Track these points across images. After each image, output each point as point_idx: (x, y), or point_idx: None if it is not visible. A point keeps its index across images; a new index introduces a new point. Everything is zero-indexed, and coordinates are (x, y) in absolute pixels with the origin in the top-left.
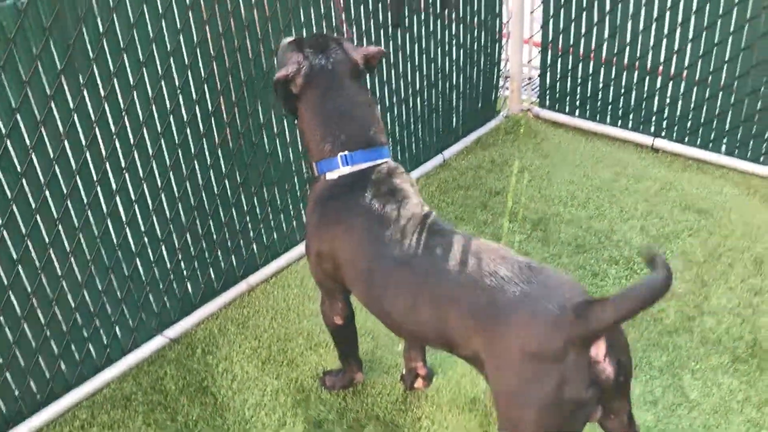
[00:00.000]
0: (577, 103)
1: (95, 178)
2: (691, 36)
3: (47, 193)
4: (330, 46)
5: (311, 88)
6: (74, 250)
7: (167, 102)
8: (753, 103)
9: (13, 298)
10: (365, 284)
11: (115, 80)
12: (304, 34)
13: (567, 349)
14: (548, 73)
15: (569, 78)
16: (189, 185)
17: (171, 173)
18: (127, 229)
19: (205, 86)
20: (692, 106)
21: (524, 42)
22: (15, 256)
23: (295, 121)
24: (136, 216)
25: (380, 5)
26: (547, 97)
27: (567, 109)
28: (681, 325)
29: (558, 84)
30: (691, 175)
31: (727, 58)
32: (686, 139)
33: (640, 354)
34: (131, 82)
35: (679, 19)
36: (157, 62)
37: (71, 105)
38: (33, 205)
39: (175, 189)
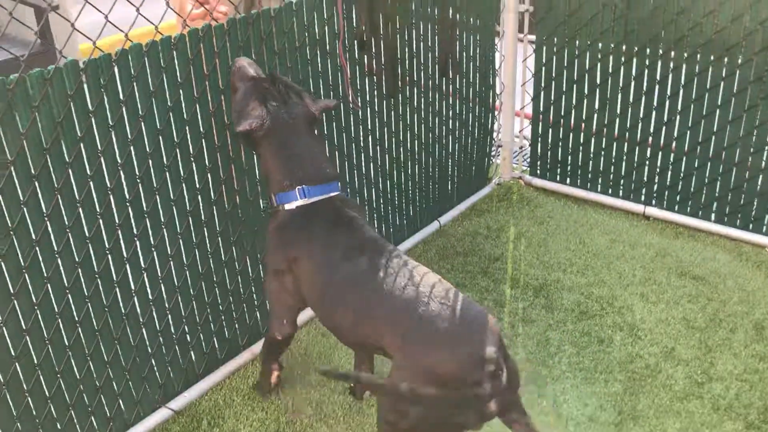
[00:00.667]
0: (568, 171)
1: (106, 246)
2: (679, 108)
3: (59, 261)
4: (291, 99)
5: (271, 136)
6: (81, 320)
7: (181, 170)
8: (741, 172)
9: (18, 369)
10: (319, 301)
11: (132, 148)
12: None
13: (466, 390)
14: (539, 143)
15: (560, 147)
16: (198, 252)
17: (180, 241)
18: (135, 299)
19: (218, 155)
20: (682, 175)
21: (516, 114)
22: (23, 326)
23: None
24: (145, 284)
25: (382, 78)
26: (538, 165)
27: (558, 177)
28: (691, 391)
29: (549, 153)
30: (684, 242)
31: (715, 129)
32: (677, 207)
33: (653, 421)
34: (147, 150)
35: (668, 93)
36: (174, 130)
37: (88, 172)
38: (45, 274)
39: (183, 257)
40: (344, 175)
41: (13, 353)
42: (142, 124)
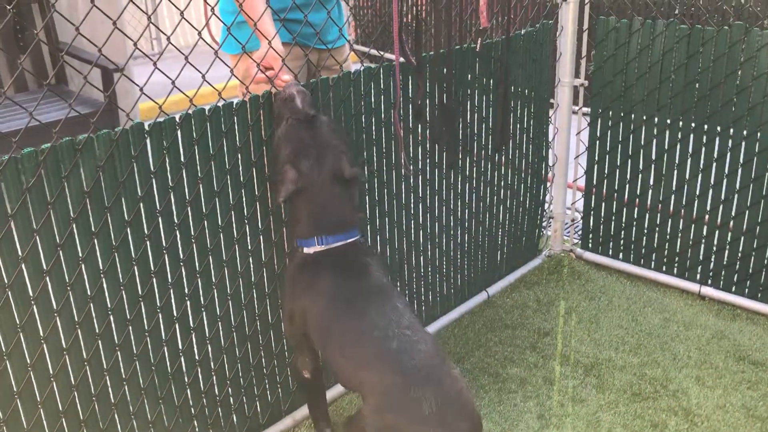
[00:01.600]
0: (621, 246)
1: (158, 304)
2: (738, 186)
3: (111, 318)
4: (327, 158)
5: (303, 193)
6: (128, 378)
7: (234, 232)
8: None
9: (65, 425)
10: (323, 345)
11: (189, 209)
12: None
13: None
14: (591, 216)
15: (613, 221)
16: (246, 314)
17: (230, 301)
18: (182, 358)
19: (271, 218)
20: (740, 254)
21: (568, 186)
22: (72, 381)
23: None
24: (192, 344)
25: (436, 148)
26: (590, 239)
27: (610, 252)
28: None
29: (602, 227)
30: (742, 324)
31: None
32: (734, 287)
33: None
34: (203, 211)
35: (726, 171)
36: (230, 193)
37: (146, 231)
38: (96, 330)
39: (231, 318)
40: (393, 241)
41: (60, 408)
42: (200, 186)
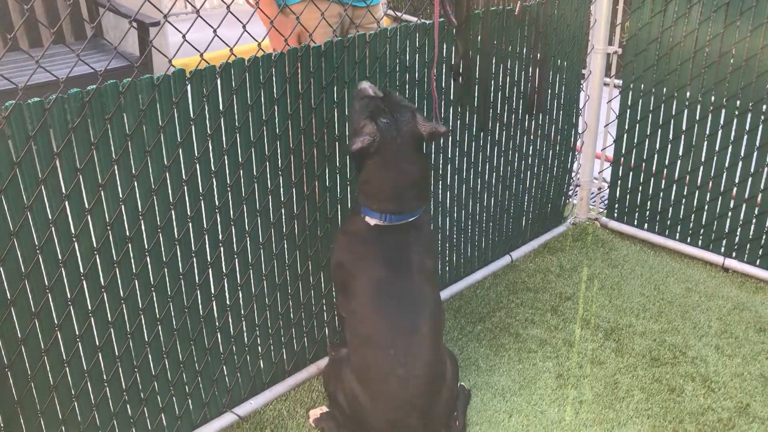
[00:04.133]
0: (647, 216)
1: (193, 249)
2: None
3: (147, 260)
4: (404, 118)
5: (378, 154)
6: (162, 318)
7: (268, 182)
8: None
9: (101, 360)
10: (353, 313)
11: (225, 158)
12: None
13: None
14: (618, 185)
15: (639, 191)
16: (276, 263)
17: (261, 250)
18: (214, 302)
19: (305, 170)
20: (766, 229)
21: (596, 156)
22: (109, 318)
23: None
24: (224, 289)
25: (467, 111)
26: (616, 208)
27: (636, 222)
28: None
29: (628, 196)
30: (765, 297)
31: None
32: (758, 261)
33: None
34: (239, 160)
35: (757, 143)
36: (266, 144)
37: (184, 176)
38: (133, 269)
39: (263, 266)
40: None
41: (97, 343)
42: (237, 135)
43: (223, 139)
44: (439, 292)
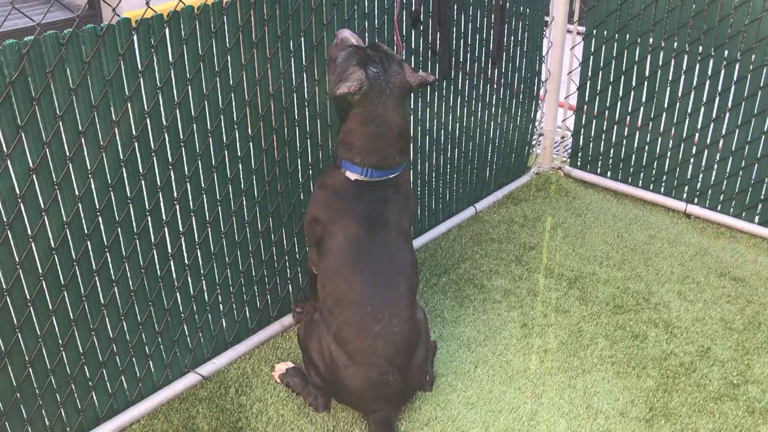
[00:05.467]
0: (610, 164)
1: (147, 208)
2: (730, 105)
3: (99, 219)
4: (392, 68)
5: (365, 102)
6: (118, 279)
7: (224, 137)
8: None
9: (55, 324)
10: (327, 271)
11: (177, 111)
12: None
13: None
14: (581, 134)
15: (603, 139)
16: (235, 220)
17: (219, 208)
18: (172, 261)
19: (261, 123)
20: (727, 174)
21: (560, 105)
22: (62, 281)
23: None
24: (182, 248)
25: (431, 59)
26: (579, 156)
27: (599, 170)
28: (725, 392)
29: (591, 144)
30: (726, 242)
31: (766, 129)
32: (720, 206)
33: (685, 419)
34: (192, 114)
35: (719, 89)
36: (219, 96)
37: (134, 132)
38: (85, 231)
39: (221, 223)
40: None
41: (50, 307)
42: (189, 87)
43: (174, 91)
44: (414, 251)
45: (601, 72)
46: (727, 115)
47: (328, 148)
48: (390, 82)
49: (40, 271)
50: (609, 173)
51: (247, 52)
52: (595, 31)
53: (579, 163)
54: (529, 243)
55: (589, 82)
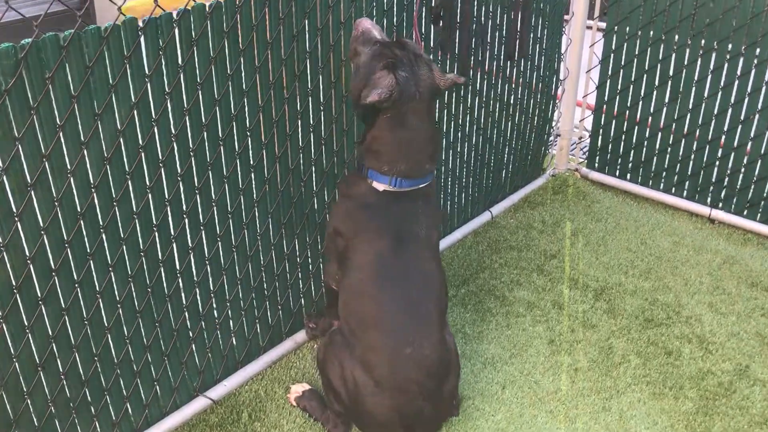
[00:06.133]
0: (629, 166)
1: (154, 223)
2: (759, 107)
3: (103, 237)
4: (422, 70)
5: (395, 109)
6: (123, 300)
7: (236, 145)
8: None
9: (55, 350)
10: (351, 289)
11: (187, 118)
12: None
13: None
14: (600, 134)
15: (622, 141)
16: (247, 233)
17: (230, 220)
18: (180, 279)
19: (275, 130)
20: (755, 178)
21: (577, 104)
22: (63, 305)
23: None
24: (191, 265)
25: (448, 60)
26: (597, 158)
27: (618, 172)
28: None
29: (610, 146)
30: (754, 249)
31: None
32: (746, 212)
33: None
34: (203, 121)
35: (749, 89)
36: (232, 101)
37: (140, 142)
38: (88, 249)
39: (232, 237)
40: None
41: (50, 333)
42: (200, 92)
43: (184, 97)
44: (443, 267)
45: (622, 70)
46: (757, 116)
47: (343, 154)
48: (420, 86)
49: (39, 294)
50: (629, 176)
51: (261, 53)
52: (617, 27)
53: (597, 165)
54: (549, 251)
55: (608, 81)
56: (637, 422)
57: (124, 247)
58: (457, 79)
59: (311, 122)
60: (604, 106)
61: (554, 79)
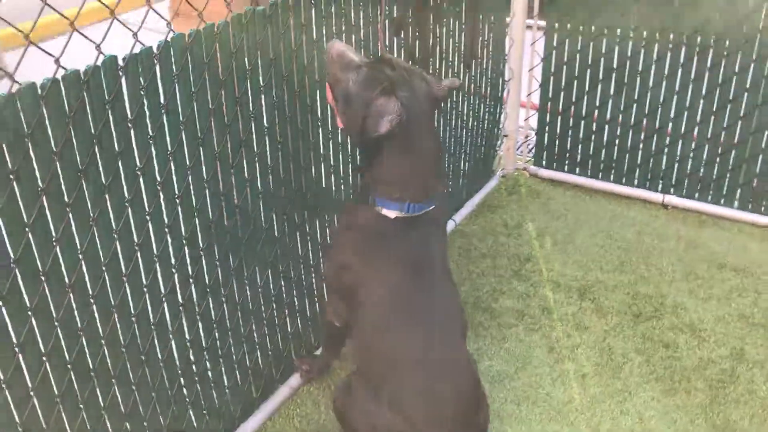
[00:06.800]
0: (578, 161)
1: (144, 284)
2: (704, 92)
3: (126, 286)
4: (418, 84)
5: (401, 132)
6: (96, 368)
7: (221, 185)
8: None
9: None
10: (366, 326)
11: (172, 164)
12: None
13: None
14: (546, 132)
15: (569, 136)
16: (235, 280)
17: (218, 268)
18: (173, 342)
19: (243, 150)
20: (703, 161)
21: (522, 105)
22: (67, 358)
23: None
24: (182, 325)
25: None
26: (544, 155)
27: (566, 167)
28: None
29: (557, 142)
30: (711, 231)
31: (742, 114)
32: (697, 195)
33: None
34: (187, 163)
35: (692, 76)
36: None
37: (127, 194)
38: (112, 301)
39: (221, 287)
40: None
41: (53, 392)
42: (183, 132)
43: (167, 140)
44: (458, 291)
45: (565, 66)
46: (702, 102)
47: (322, 181)
48: (422, 103)
49: (42, 350)
50: (577, 170)
51: (241, 83)
52: (557, 24)
53: (545, 162)
54: (522, 255)
55: (552, 78)
56: (657, 422)
57: (115, 316)
58: (452, 84)
59: (302, 163)
60: (549, 104)
61: (500, 81)
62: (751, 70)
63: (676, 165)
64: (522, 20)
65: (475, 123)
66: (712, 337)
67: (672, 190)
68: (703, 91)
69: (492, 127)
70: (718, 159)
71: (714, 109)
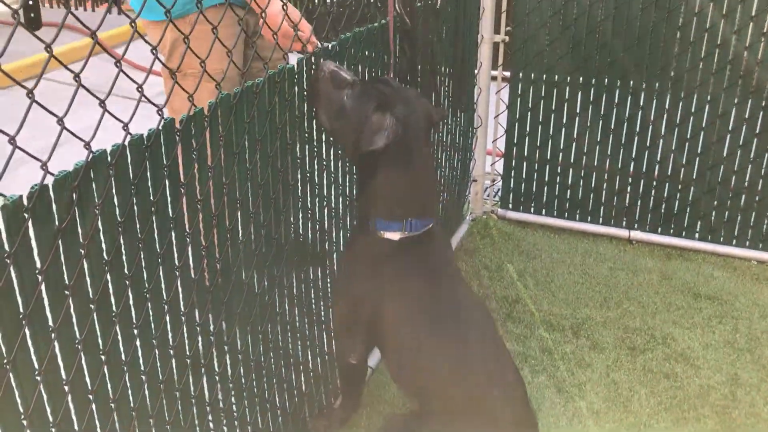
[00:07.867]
0: (544, 202)
1: (123, 361)
2: (663, 132)
3: (138, 342)
4: (416, 105)
5: (397, 150)
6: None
7: (192, 273)
8: (725, 190)
9: None
10: (403, 345)
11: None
12: None
13: None
14: (512, 175)
15: (534, 179)
16: (242, 364)
17: (225, 321)
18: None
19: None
20: (665, 197)
21: (488, 152)
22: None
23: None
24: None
25: None
26: (511, 198)
27: (532, 209)
28: None
29: (523, 185)
30: (678, 263)
31: (699, 151)
32: (659, 229)
33: None
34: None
35: (652, 117)
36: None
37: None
38: (123, 352)
39: (230, 371)
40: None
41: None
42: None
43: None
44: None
45: (529, 113)
46: (661, 141)
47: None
48: (417, 119)
49: (51, 420)
50: (544, 210)
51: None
52: (521, 74)
53: (511, 205)
54: (509, 297)
55: (517, 124)
56: None
57: (138, 340)
58: (443, 113)
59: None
60: (514, 149)
61: (470, 129)
62: (707, 108)
63: (639, 202)
64: (488, 69)
65: (449, 170)
66: (705, 365)
67: (636, 225)
68: (662, 131)
69: (463, 174)
70: (678, 194)
71: (673, 147)
